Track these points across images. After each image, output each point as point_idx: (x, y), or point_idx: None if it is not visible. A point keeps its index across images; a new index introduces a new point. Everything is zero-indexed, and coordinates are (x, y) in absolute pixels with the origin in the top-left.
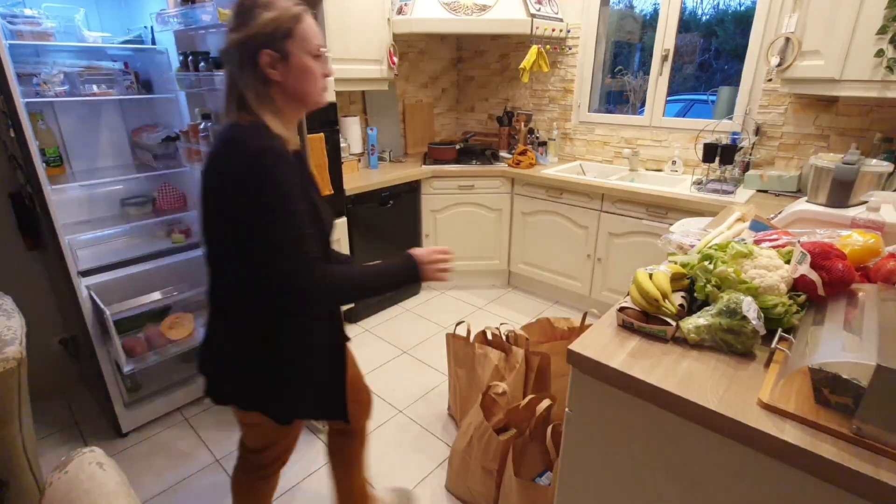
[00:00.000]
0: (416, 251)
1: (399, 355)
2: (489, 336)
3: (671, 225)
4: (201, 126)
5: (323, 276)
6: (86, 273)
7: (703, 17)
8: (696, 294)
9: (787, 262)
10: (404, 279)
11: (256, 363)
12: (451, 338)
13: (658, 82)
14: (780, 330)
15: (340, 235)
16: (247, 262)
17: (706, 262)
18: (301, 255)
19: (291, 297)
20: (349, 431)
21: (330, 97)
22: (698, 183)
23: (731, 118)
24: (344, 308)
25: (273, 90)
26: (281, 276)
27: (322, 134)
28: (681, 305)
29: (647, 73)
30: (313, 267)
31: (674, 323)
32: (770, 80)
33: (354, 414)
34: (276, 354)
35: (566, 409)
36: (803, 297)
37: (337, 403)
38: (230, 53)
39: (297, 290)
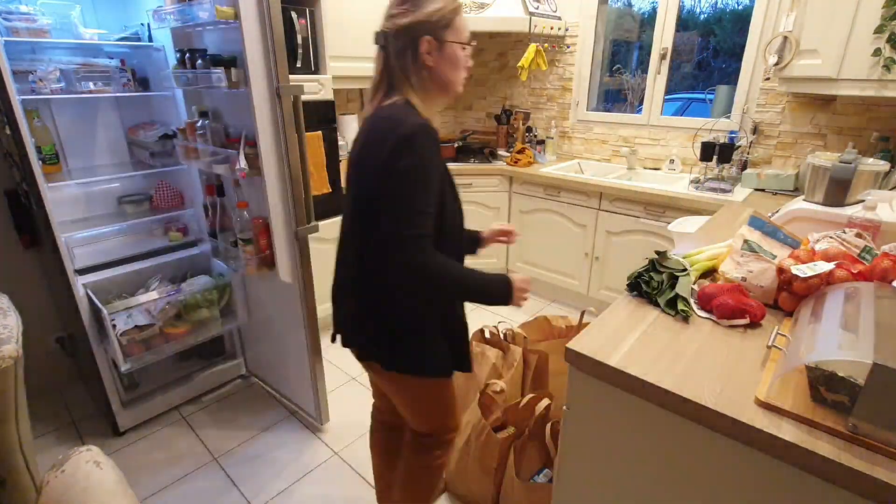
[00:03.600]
0: (513, 277)
1: None
2: (487, 334)
3: (669, 224)
4: (198, 124)
5: (428, 255)
6: (82, 271)
7: (702, 16)
8: None
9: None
10: (495, 297)
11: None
12: None
13: (656, 81)
14: (776, 329)
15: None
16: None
17: None
18: (418, 227)
19: (395, 262)
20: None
21: (328, 95)
22: (696, 181)
23: (728, 117)
24: None
25: (424, 75)
26: (394, 241)
27: (320, 132)
28: None
29: (645, 71)
30: (424, 243)
31: None
32: (768, 78)
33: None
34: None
35: (564, 407)
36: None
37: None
38: (392, 37)
39: (401, 258)
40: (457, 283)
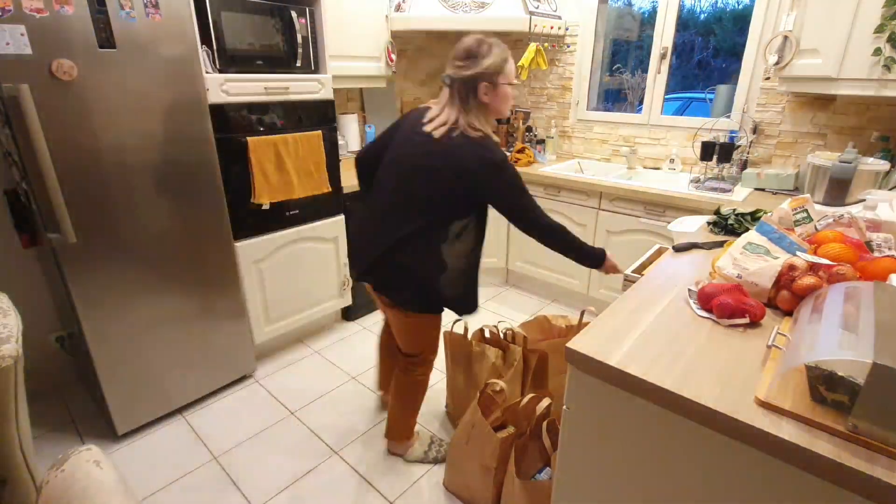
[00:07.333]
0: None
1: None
2: (487, 334)
3: (669, 223)
4: None
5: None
6: None
7: (702, 16)
8: None
9: None
10: (589, 257)
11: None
12: (449, 335)
13: (656, 80)
14: (776, 328)
15: (339, 233)
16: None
17: None
18: (536, 208)
19: (531, 225)
20: None
21: (327, 94)
22: (696, 181)
23: (728, 116)
24: (344, 306)
25: (483, 108)
26: (526, 216)
27: (320, 131)
28: None
29: (645, 71)
30: (539, 212)
31: None
32: (768, 78)
33: None
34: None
35: (563, 407)
36: None
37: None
38: (457, 84)
39: (530, 222)
40: None
